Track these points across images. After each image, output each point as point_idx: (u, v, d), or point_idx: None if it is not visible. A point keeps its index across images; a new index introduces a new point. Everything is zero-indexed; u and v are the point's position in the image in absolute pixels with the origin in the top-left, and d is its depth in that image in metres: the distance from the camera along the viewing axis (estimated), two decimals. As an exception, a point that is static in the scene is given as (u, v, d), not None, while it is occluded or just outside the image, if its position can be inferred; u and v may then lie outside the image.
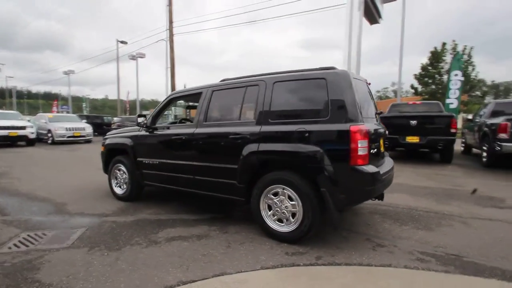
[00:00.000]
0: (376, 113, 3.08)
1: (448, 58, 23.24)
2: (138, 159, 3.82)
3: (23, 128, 11.60)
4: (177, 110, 20.29)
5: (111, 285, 2.04)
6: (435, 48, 24.16)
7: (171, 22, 22.80)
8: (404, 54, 12.63)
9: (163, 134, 3.61)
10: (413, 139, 7.26)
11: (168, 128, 3.78)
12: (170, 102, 3.76)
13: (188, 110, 10.47)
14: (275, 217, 2.71)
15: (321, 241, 2.68)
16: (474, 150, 9.28)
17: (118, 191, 4.19)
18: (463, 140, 9.56)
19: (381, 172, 2.47)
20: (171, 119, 19.64)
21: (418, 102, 10.05)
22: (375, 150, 2.61)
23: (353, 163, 2.32)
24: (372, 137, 2.51)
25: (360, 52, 9.48)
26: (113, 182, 4.26)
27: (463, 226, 3.11)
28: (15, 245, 2.75)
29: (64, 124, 13.10)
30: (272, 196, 2.70)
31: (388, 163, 2.90)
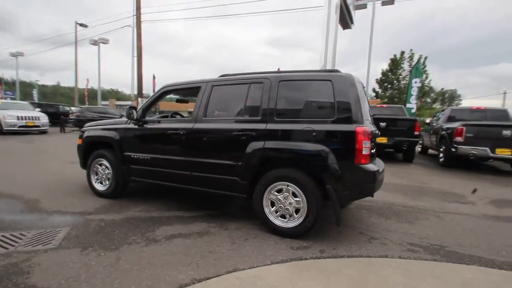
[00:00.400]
0: (371, 115, 3.29)
1: (405, 65, 25.42)
2: (125, 153, 3.60)
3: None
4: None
5: (119, 286, 1.94)
6: (395, 55, 26.20)
7: (139, 8, 21.50)
8: (378, 59, 13.45)
9: (156, 128, 3.46)
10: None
11: (159, 122, 3.63)
12: (163, 94, 3.60)
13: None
14: (278, 213, 2.77)
15: (320, 235, 2.82)
16: (430, 151, 10.32)
17: (99, 187, 3.91)
18: (421, 142, 10.57)
19: (380, 171, 2.67)
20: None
21: (384, 106, 10.86)
22: (373, 150, 2.81)
23: (357, 161, 2.48)
24: (372, 138, 2.70)
25: (335, 54, 9.91)
26: (93, 178, 3.97)
27: (437, 219, 3.49)
28: (-11, 247, 2.46)
29: (15, 112, 11.69)
30: (276, 193, 2.77)
31: (380, 163, 3.13)
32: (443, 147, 7.63)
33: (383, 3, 12.69)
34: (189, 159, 3.14)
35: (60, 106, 19.20)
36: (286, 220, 2.75)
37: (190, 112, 3.40)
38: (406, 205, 3.99)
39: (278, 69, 12.78)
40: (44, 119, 12.51)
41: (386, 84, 25.92)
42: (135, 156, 3.52)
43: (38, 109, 13.66)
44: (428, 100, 31.60)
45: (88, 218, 3.17)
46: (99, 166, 3.91)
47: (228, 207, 3.72)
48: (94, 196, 3.93)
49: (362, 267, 2.25)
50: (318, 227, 2.89)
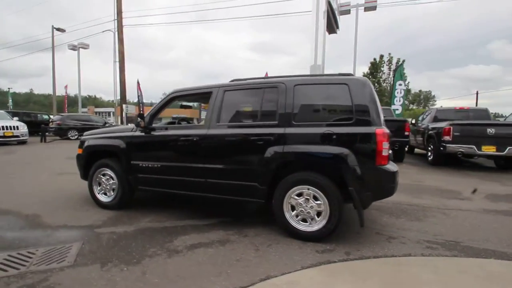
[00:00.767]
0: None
1: (385, 68, 26.53)
2: (132, 162, 3.47)
3: None
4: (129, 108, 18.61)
5: (154, 302, 1.86)
6: (375, 59, 27.28)
7: (120, 12, 21.02)
8: (348, 63, 13.89)
9: (166, 135, 3.37)
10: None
11: (166, 128, 3.54)
12: (171, 100, 3.52)
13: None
14: (299, 217, 2.78)
15: (340, 237, 2.84)
16: (416, 150, 10.75)
17: (103, 198, 3.74)
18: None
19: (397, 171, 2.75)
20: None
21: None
22: (390, 151, 2.89)
23: (378, 163, 2.54)
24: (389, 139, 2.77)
25: (324, 59, 10.13)
26: (96, 189, 3.80)
27: (444, 216, 3.63)
28: (-1, 269, 2.28)
29: (-9, 121, 11.00)
30: (296, 197, 2.77)
31: (393, 164, 3.21)
32: (431, 146, 7.98)
33: (366, 9, 13.18)
34: (204, 166, 3.08)
35: (38, 115, 18.25)
36: (307, 223, 2.75)
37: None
38: (411, 204, 4.12)
39: (266, 74, 12.85)
40: (23, 128, 11.84)
41: (368, 86, 26.83)
42: (144, 165, 3.41)
43: (15, 118, 12.91)
44: (406, 102, 33.06)
45: (97, 231, 3.02)
46: (102, 177, 3.75)
47: (240, 213, 3.68)
48: (97, 208, 3.76)
49: (391, 267, 2.29)
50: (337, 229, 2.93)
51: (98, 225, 3.19)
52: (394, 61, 25.87)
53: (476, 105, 28.08)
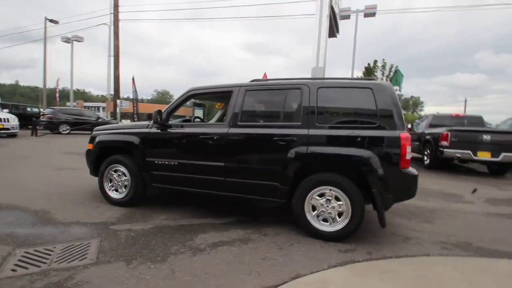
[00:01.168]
0: None
1: (379, 74, 26.97)
2: (148, 159, 3.43)
3: None
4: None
5: (189, 299, 1.85)
6: (369, 64, 27.73)
7: (116, 5, 20.64)
8: (343, 67, 14.15)
9: (185, 133, 3.34)
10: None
11: (182, 126, 3.51)
12: (189, 98, 3.49)
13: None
14: (320, 217, 2.81)
15: (358, 238, 2.89)
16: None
17: (114, 195, 3.67)
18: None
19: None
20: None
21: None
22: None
23: (402, 166, 2.60)
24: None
25: (325, 61, 10.24)
26: (106, 185, 3.72)
27: (451, 218, 3.75)
28: (18, 265, 2.21)
29: (-20, 113, 10.57)
30: (318, 197, 2.80)
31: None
32: (428, 151, 8.20)
33: (366, 15, 13.42)
34: (224, 165, 3.07)
35: (28, 108, 17.67)
36: (328, 224, 2.79)
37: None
38: (418, 206, 4.23)
39: (264, 75, 12.87)
40: (14, 121, 11.45)
41: (361, 90, 27.20)
42: (160, 162, 3.36)
43: (5, 110, 12.47)
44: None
45: (113, 228, 2.97)
46: (114, 173, 3.68)
47: (254, 212, 3.69)
48: (108, 204, 3.68)
49: (415, 266, 2.36)
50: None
51: (113, 222, 3.13)
52: (387, 67, 26.36)
53: (465, 112, 29.03)
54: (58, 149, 9.19)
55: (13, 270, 2.15)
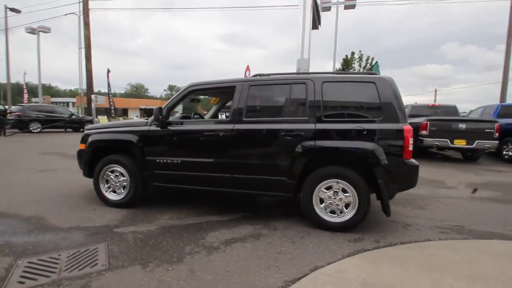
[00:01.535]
0: None
1: (356, 65, 27.69)
2: (148, 158, 3.32)
3: None
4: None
5: (216, 299, 1.85)
6: (346, 56, 28.35)
7: (86, -6, 19.34)
8: (319, 58, 14.44)
9: (188, 130, 3.26)
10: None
11: (181, 123, 3.43)
12: (189, 94, 3.40)
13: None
14: (328, 209, 2.90)
15: (363, 227, 3.02)
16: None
17: (112, 197, 3.54)
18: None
19: None
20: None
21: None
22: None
23: (405, 157, 2.74)
24: None
25: (310, 53, 10.36)
26: (103, 187, 3.57)
27: (441, 204, 4.01)
28: (25, 277, 2.09)
29: None
30: (325, 190, 2.88)
31: None
32: (409, 140, 8.62)
33: (346, 7, 13.65)
34: (231, 161, 3.06)
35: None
36: (335, 215, 2.88)
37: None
38: (410, 193, 4.44)
39: (247, 67, 12.77)
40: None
41: (339, 82, 27.80)
42: (162, 161, 3.27)
43: (-34, 109, 11.40)
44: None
45: (118, 231, 2.88)
46: (110, 173, 3.53)
47: (258, 207, 3.72)
48: (105, 206, 3.55)
49: (420, 251, 2.51)
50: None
51: (115, 225, 3.03)
52: (364, 58, 27.09)
53: (435, 101, 30.67)
54: (34, 149, 8.61)
55: (21, 283, 2.03)
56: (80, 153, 3.71)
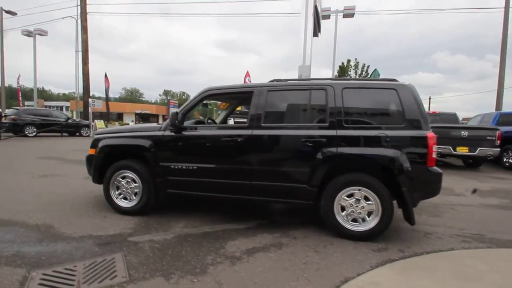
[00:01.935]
0: None
1: (352, 73, 28.04)
2: (161, 164, 3.23)
3: None
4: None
5: (250, 313, 1.76)
6: (342, 63, 28.73)
7: (84, -2, 19.26)
8: (317, 65, 14.59)
9: (205, 136, 3.18)
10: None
11: (195, 128, 3.35)
12: (205, 98, 3.33)
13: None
14: (349, 217, 2.84)
15: (385, 236, 2.96)
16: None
17: (123, 204, 3.42)
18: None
19: None
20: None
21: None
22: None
23: (429, 164, 2.70)
24: None
25: (311, 60, 10.40)
26: (114, 193, 3.45)
27: (455, 212, 3.99)
28: (42, 291, 1.96)
29: None
30: (346, 198, 2.82)
31: None
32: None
33: (345, 16, 13.86)
34: (249, 168, 2.98)
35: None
36: (358, 224, 2.82)
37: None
38: (421, 201, 4.44)
39: (247, 73, 12.83)
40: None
41: (336, 89, 28.11)
42: (176, 167, 3.18)
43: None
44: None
45: (132, 240, 2.76)
46: (121, 180, 3.42)
47: (272, 214, 3.64)
48: (115, 214, 3.42)
49: (447, 260, 2.46)
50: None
51: (130, 234, 2.91)
52: (360, 66, 27.47)
53: (429, 109, 31.16)
54: (31, 153, 8.38)
55: (38, 297, 1.91)
56: (89, 158, 3.59)
